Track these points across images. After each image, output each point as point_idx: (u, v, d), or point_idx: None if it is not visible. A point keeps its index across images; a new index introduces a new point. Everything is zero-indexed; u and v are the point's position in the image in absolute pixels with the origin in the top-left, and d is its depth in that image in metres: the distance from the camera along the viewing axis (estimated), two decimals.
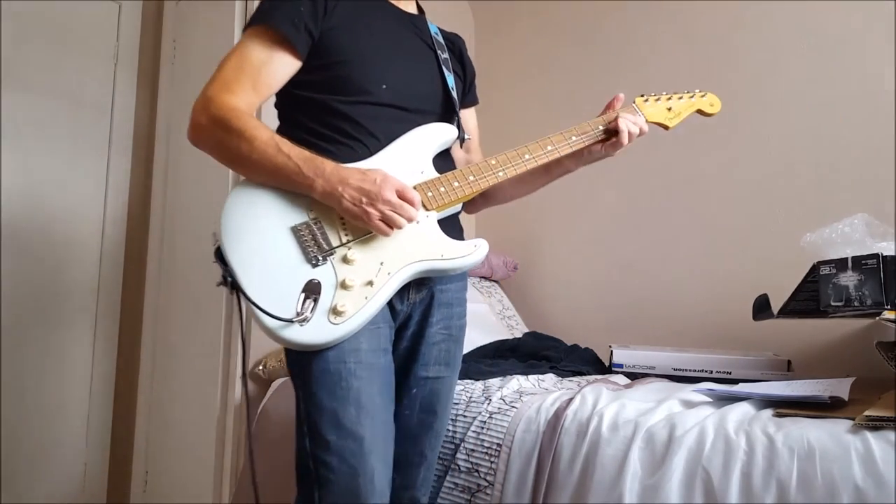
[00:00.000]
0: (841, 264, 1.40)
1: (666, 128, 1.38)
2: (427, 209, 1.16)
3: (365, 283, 1.10)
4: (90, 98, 2.55)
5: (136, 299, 2.61)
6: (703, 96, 1.42)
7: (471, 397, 1.61)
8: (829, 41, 2.10)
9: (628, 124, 1.26)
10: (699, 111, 1.42)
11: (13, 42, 2.34)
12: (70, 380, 2.43)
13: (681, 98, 1.40)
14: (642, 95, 1.38)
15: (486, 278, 2.63)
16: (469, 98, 1.44)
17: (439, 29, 1.39)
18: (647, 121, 1.33)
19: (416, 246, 1.14)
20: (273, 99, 1.26)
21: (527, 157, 1.24)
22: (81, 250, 2.49)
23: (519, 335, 2.39)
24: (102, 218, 2.55)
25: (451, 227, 1.22)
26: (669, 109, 1.38)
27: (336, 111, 1.18)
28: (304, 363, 1.13)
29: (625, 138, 1.26)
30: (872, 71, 2.01)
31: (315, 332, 1.07)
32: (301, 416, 1.15)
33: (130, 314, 2.60)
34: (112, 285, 2.56)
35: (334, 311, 1.07)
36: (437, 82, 1.31)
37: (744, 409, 1.31)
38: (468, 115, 1.44)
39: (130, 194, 2.63)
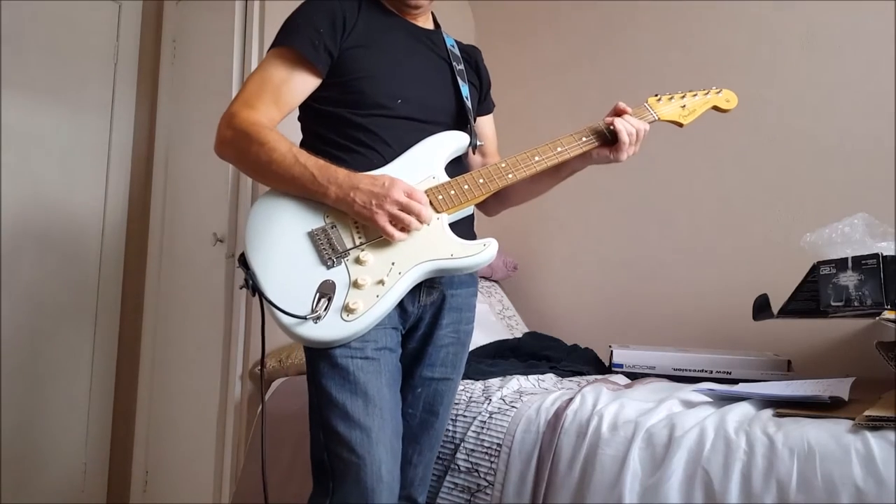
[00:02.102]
0: (841, 264, 1.40)
1: (680, 125, 1.38)
2: (438, 212, 1.20)
3: (376, 281, 1.14)
4: (90, 98, 2.55)
5: (136, 299, 2.61)
6: (718, 93, 1.42)
7: (471, 397, 1.61)
8: (829, 41, 2.10)
9: (625, 125, 1.28)
10: (715, 108, 1.42)
11: (13, 42, 2.34)
12: (70, 380, 2.43)
13: (695, 95, 1.40)
14: (655, 95, 1.38)
15: (486, 278, 2.63)
16: (485, 106, 1.49)
17: (456, 41, 1.43)
18: (660, 119, 1.35)
19: (427, 246, 1.17)
20: (295, 113, 1.32)
21: (536, 158, 1.27)
22: (81, 250, 2.49)
23: (519, 335, 2.39)
24: (102, 218, 2.55)
25: (464, 231, 1.25)
26: (683, 107, 1.38)
27: (353, 123, 1.24)
28: (315, 359, 1.18)
29: (623, 137, 1.27)
30: (872, 71, 2.01)
31: (328, 329, 1.11)
32: (313, 410, 1.20)
33: (130, 314, 2.60)
34: (112, 285, 2.56)
35: (346, 309, 1.12)
36: (451, 93, 1.35)
37: (744, 409, 1.31)
38: (485, 122, 1.49)
39: (130, 194, 2.63)
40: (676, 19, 2.44)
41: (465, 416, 1.56)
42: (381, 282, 1.14)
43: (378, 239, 1.16)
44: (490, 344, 2.18)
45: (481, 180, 1.24)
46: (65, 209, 2.46)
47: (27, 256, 2.35)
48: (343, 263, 1.15)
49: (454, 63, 1.37)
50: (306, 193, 1.17)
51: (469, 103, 1.36)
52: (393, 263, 1.15)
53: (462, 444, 1.51)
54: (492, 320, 2.41)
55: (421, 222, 1.15)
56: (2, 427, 2.23)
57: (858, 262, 1.37)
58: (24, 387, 2.31)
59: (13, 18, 2.35)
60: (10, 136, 2.32)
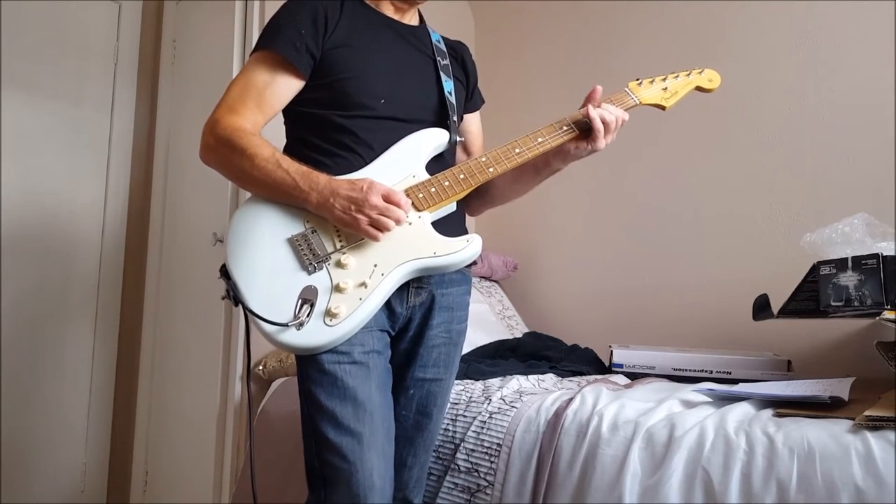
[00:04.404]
0: (841, 264, 1.40)
1: (662, 108, 1.35)
2: (419, 210, 1.18)
3: (358, 284, 1.13)
4: (90, 98, 2.55)
5: (136, 299, 2.61)
6: (700, 73, 1.39)
7: (471, 397, 1.61)
8: (828, 41, 2.10)
9: (598, 113, 1.24)
10: (698, 88, 1.39)
11: (13, 42, 2.34)
12: (70, 379, 2.43)
13: (677, 77, 1.37)
14: (636, 79, 1.35)
15: (486, 278, 2.63)
16: (472, 102, 1.46)
17: (442, 37, 1.41)
18: (641, 103, 1.32)
19: (409, 246, 1.16)
20: (281, 118, 1.30)
21: (517, 150, 1.24)
22: (81, 250, 2.49)
23: (519, 335, 2.39)
24: (102, 218, 2.55)
25: (453, 228, 1.23)
26: (665, 90, 1.35)
27: (336, 125, 1.22)
28: (303, 366, 1.17)
29: (597, 125, 1.23)
30: (872, 71, 2.01)
31: (311, 335, 1.10)
32: (305, 418, 1.18)
33: (130, 314, 2.60)
34: (112, 285, 2.56)
35: (329, 314, 1.10)
36: (434, 90, 1.32)
37: (744, 409, 1.31)
38: (472, 119, 1.46)
39: (130, 194, 2.63)
40: (676, 19, 2.44)
41: (465, 416, 1.56)
42: (364, 284, 1.12)
43: (359, 242, 1.15)
44: (490, 344, 2.18)
45: (462, 176, 1.22)
46: (65, 209, 2.46)
47: (27, 256, 2.35)
48: (324, 268, 1.14)
49: (439, 58, 1.34)
50: (289, 200, 1.15)
51: (452, 99, 1.33)
52: (375, 265, 1.14)
53: (462, 444, 1.51)
54: (492, 320, 2.41)
55: (399, 223, 1.14)
56: (2, 427, 2.23)
57: (858, 262, 1.37)
58: (24, 387, 2.31)
59: (13, 18, 2.35)
60: (10, 136, 2.32)
